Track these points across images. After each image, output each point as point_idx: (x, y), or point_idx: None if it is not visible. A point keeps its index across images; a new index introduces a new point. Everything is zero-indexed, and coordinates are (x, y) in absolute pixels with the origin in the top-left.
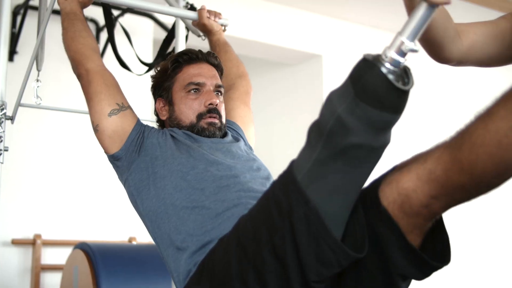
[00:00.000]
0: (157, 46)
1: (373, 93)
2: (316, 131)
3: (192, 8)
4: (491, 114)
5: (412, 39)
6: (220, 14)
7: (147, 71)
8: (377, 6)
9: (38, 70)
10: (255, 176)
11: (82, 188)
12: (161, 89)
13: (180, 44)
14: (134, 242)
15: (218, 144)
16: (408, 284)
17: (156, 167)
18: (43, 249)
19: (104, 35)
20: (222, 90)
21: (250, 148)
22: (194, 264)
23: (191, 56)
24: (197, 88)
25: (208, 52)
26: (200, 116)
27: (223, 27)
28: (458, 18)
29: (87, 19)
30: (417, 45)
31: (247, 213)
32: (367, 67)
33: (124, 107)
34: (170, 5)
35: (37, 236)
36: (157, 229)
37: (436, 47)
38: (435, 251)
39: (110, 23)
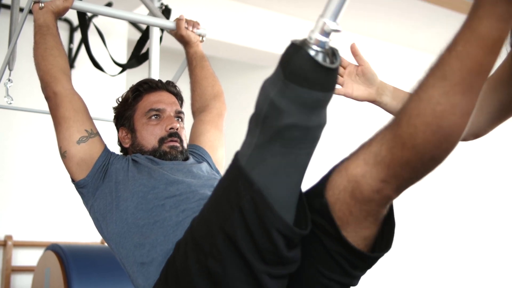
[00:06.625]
0: (131, 46)
1: (301, 73)
2: (254, 119)
3: (166, 9)
4: (421, 85)
5: (333, 19)
6: (198, 24)
7: (121, 71)
8: (350, 9)
9: (10, 69)
10: None
11: (54, 189)
12: (123, 118)
13: (154, 45)
14: (106, 244)
15: (179, 166)
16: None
17: (119, 191)
18: (14, 251)
19: (78, 35)
20: (183, 116)
21: (217, 171)
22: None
23: (151, 85)
24: (158, 114)
25: (167, 81)
26: (161, 141)
27: (201, 38)
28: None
29: (61, 18)
30: (339, 25)
31: (199, 213)
32: (295, 51)
33: (93, 133)
34: (146, 6)
35: (8, 237)
36: (121, 249)
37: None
38: (380, 240)
39: (84, 23)
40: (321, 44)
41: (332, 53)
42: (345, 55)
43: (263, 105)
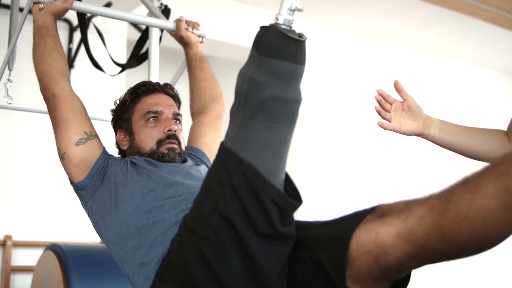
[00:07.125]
0: (131, 46)
1: (273, 46)
2: (236, 104)
3: (166, 9)
4: (480, 187)
5: (295, 0)
6: (198, 25)
7: (120, 71)
8: (351, 9)
9: (10, 69)
10: None
11: (53, 189)
12: (121, 120)
13: (153, 45)
14: None
15: (178, 168)
16: None
17: (118, 193)
18: (14, 250)
19: (77, 35)
20: (180, 118)
21: None
22: None
23: (148, 88)
24: (156, 116)
25: (165, 83)
26: (160, 143)
27: (200, 39)
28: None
29: (60, 18)
30: (300, 5)
31: (191, 206)
32: (265, 30)
33: (91, 135)
34: (146, 6)
35: (8, 237)
36: (121, 251)
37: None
38: None
39: (84, 23)
40: (286, 22)
41: (298, 33)
42: (389, 91)
43: (243, 85)
